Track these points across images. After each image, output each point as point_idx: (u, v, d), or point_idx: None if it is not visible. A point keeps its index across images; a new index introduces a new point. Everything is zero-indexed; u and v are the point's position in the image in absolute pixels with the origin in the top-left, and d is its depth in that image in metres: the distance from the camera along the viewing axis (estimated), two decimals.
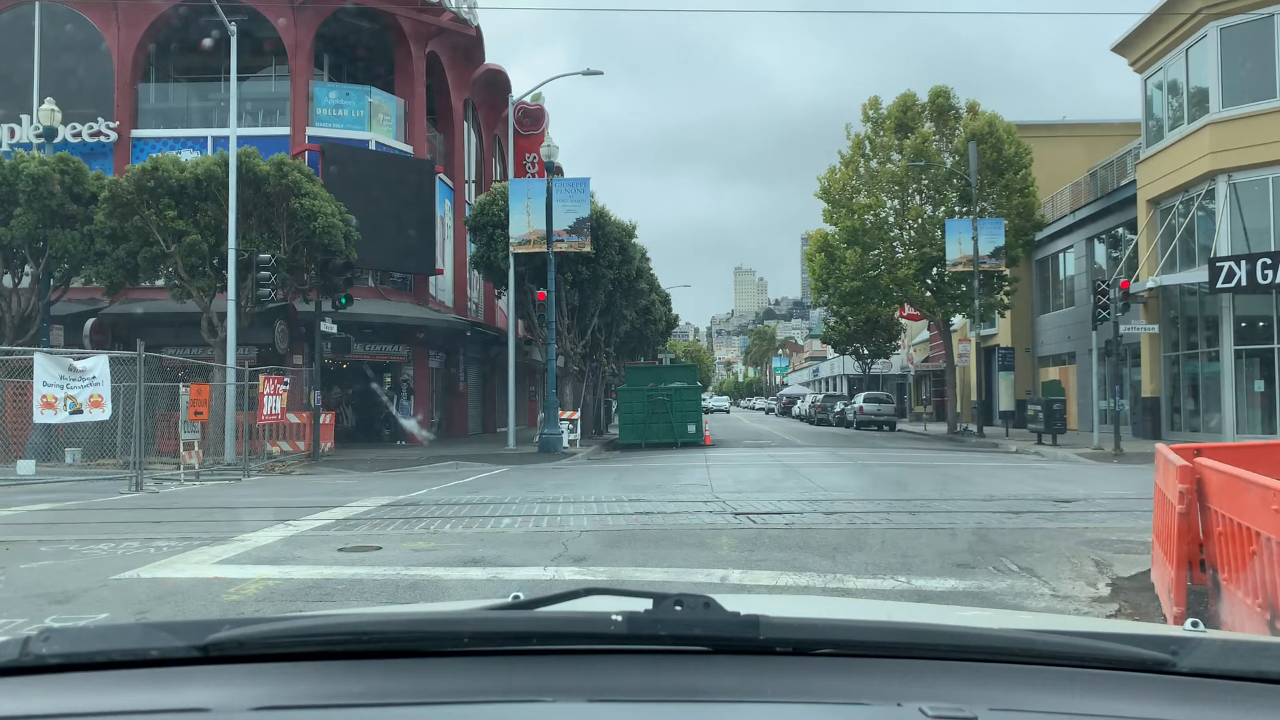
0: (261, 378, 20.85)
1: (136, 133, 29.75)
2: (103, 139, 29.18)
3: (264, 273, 21.95)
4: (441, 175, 33.55)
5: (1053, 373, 36.68)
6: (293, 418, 23.54)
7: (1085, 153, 37.33)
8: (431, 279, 32.85)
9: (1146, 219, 28.40)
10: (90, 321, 26.04)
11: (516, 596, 1.74)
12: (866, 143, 35.80)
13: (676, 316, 56.46)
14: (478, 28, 34.22)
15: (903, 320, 50.86)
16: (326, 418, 24.65)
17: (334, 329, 23.93)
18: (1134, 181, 29.59)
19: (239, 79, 23.57)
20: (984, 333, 36.49)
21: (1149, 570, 7.39)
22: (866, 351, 55.64)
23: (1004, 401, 35.42)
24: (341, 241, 22.85)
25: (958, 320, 39.10)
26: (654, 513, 11.75)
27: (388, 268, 30.88)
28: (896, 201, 35.62)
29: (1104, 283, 24.42)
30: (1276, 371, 24.07)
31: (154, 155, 23.30)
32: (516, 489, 15.26)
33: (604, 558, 8.58)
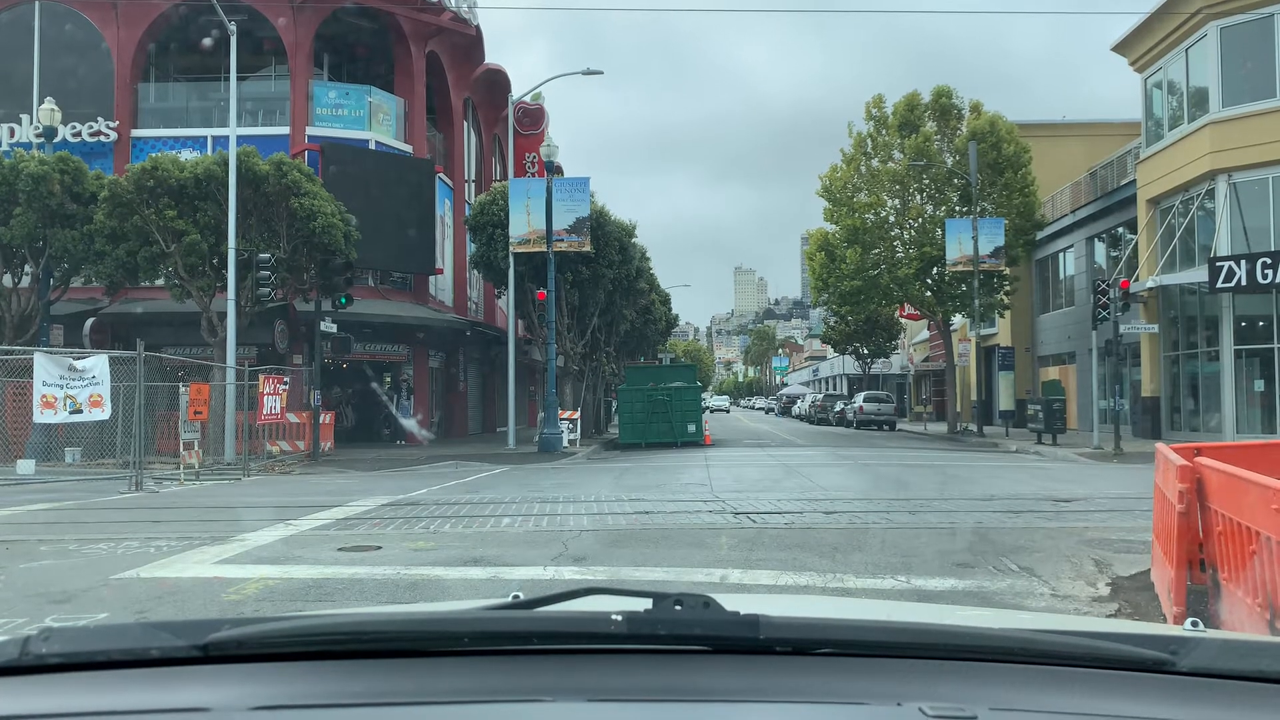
0: (261, 377, 20.84)
1: (136, 132, 29.74)
2: (102, 139, 29.18)
3: (264, 272, 21.94)
4: (441, 175, 33.55)
5: (1053, 372, 36.67)
6: (292, 417, 23.54)
7: (1085, 152, 37.31)
8: (431, 279, 32.85)
9: (1146, 219, 28.39)
10: (90, 321, 26.03)
11: (516, 596, 1.74)
12: (868, 141, 35.79)
13: (676, 316, 56.50)
14: (477, 27, 34.24)
15: (903, 320, 50.88)
16: (326, 417, 24.65)
17: (334, 329, 23.92)
18: (1134, 181, 29.58)
19: (239, 79, 23.57)
20: (984, 332, 36.50)
21: (1149, 570, 7.39)
22: (866, 351, 55.66)
23: (1004, 401, 35.42)
24: (341, 241, 22.84)
25: (958, 320, 39.09)
26: (654, 512, 11.75)
27: (387, 267, 30.88)
28: (897, 200, 35.63)
29: (1104, 282, 24.42)
30: (1276, 371, 24.07)
31: (154, 155, 23.30)
32: (516, 488, 15.27)
33: (604, 557, 8.58)
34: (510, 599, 1.69)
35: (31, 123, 28.25)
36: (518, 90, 35.38)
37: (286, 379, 22.35)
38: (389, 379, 32.62)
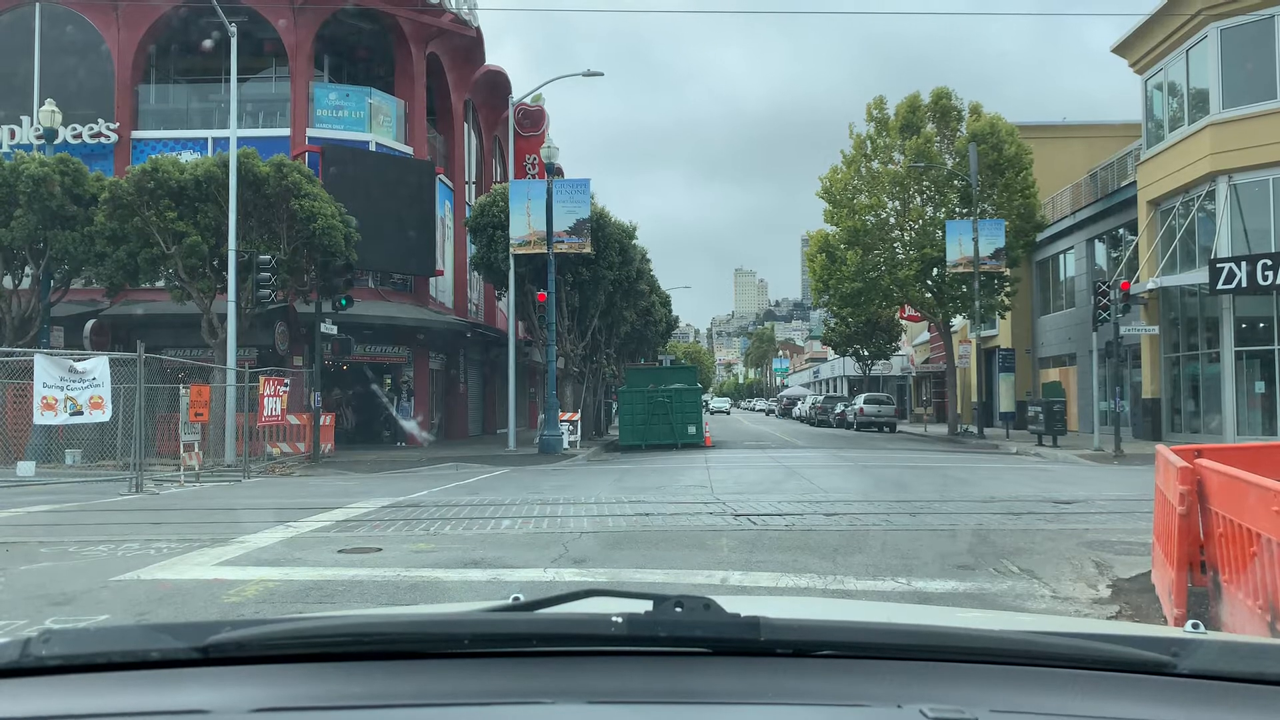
0: (261, 379, 20.84)
1: (137, 134, 29.76)
2: (103, 140, 29.19)
3: (264, 274, 21.95)
4: (442, 176, 33.56)
5: (1053, 374, 36.67)
6: (293, 419, 23.53)
7: (1085, 154, 37.34)
8: (432, 280, 32.85)
9: (1147, 220, 28.40)
10: (90, 323, 26.03)
11: (517, 598, 1.74)
12: (869, 143, 35.81)
13: (677, 318, 56.52)
14: (478, 29, 34.26)
15: (903, 321, 50.89)
16: (326, 419, 24.64)
17: (334, 330, 23.93)
18: (1134, 182, 29.60)
19: (239, 80, 23.57)
20: (984, 334, 36.49)
21: (1149, 572, 7.39)
22: (867, 353, 55.63)
23: (1004, 403, 35.41)
24: (341, 243, 22.85)
25: (958, 321, 39.10)
26: (654, 514, 11.75)
27: (388, 269, 30.88)
28: (897, 202, 35.65)
29: (1104, 284, 24.42)
30: (1277, 373, 24.06)
31: (154, 156, 23.30)
32: (517, 490, 15.26)
33: (604, 559, 8.58)
34: (510, 601, 1.70)
35: (32, 124, 28.27)
36: (518, 92, 35.43)
37: (287, 381, 22.34)
38: (389, 381, 32.62)
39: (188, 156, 25.06)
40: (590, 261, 28.21)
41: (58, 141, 24.72)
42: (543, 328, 27.64)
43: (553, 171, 27.28)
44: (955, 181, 34.21)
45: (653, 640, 1.35)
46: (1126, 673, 1.32)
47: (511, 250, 26.77)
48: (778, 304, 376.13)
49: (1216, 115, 24.84)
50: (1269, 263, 23.06)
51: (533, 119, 38.79)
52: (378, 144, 30.30)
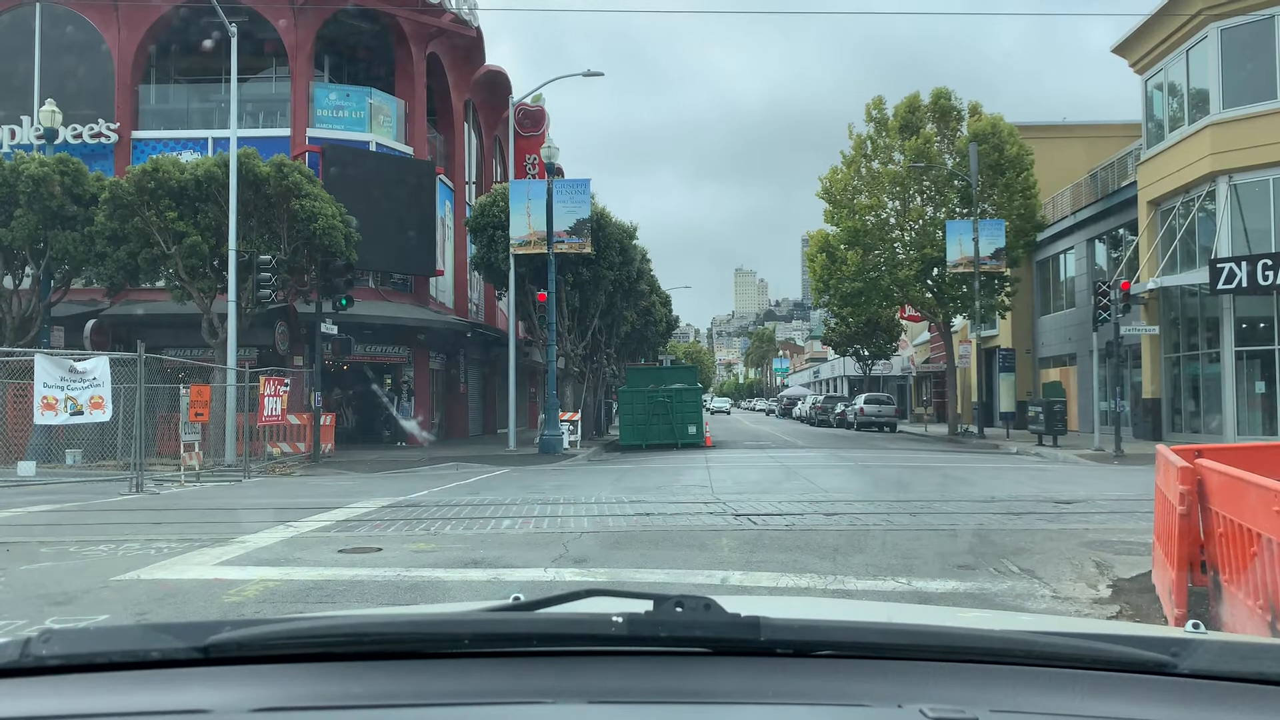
0: (262, 379, 20.84)
1: (137, 134, 29.75)
2: (103, 140, 29.19)
3: (264, 274, 21.95)
4: (442, 176, 33.56)
5: (1053, 374, 36.66)
6: (293, 419, 23.53)
7: (1086, 154, 37.34)
8: (432, 280, 32.86)
9: (1147, 220, 28.39)
10: (91, 323, 26.03)
11: (517, 598, 1.74)
12: (868, 143, 35.80)
13: (677, 318, 56.50)
14: (478, 29, 34.26)
15: (903, 321, 50.86)
16: (327, 419, 24.64)
17: (334, 330, 23.92)
18: (1135, 183, 29.59)
19: (239, 80, 23.57)
20: (985, 334, 36.49)
21: (1150, 572, 7.39)
22: (867, 353, 55.63)
23: (1005, 403, 35.42)
24: (342, 243, 22.85)
25: (958, 321, 39.09)
26: (654, 514, 11.75)
27: (388, 269, 30.88)
28: (898, 202, 35.64)
29: (1105, 284, 24.42)
30: (1277, 373, 24.05)
31: (154, 156, 23.29)
32: (517, 490, 15.26)
33: (604, 559, 8.58)
34: (511, 601, 1.70)
35: (32, 124, 28.27)
36: (518, 92, 35.42)
37: (287, 381, 22.34)
38: (389, 380, 32.62)
39: (188, 156, 25.07)
40: (590, 261, 28.21)
41: (58, 141, 24.73)
42: (543, 328, 27.64)
43: (553, 171, 27.28)
44: (955, 181, 34.20)
45: (653, 640, 1.35)
46: (1127, 673, 1.32)
47: (512, 250, 26.76)
48: (778, 304, 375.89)
49: (1217, 115, 24.84)
50: (1269, 263, 23.05)
51: (533, 119, 38.78)
52: (378, 144, 30.30)
